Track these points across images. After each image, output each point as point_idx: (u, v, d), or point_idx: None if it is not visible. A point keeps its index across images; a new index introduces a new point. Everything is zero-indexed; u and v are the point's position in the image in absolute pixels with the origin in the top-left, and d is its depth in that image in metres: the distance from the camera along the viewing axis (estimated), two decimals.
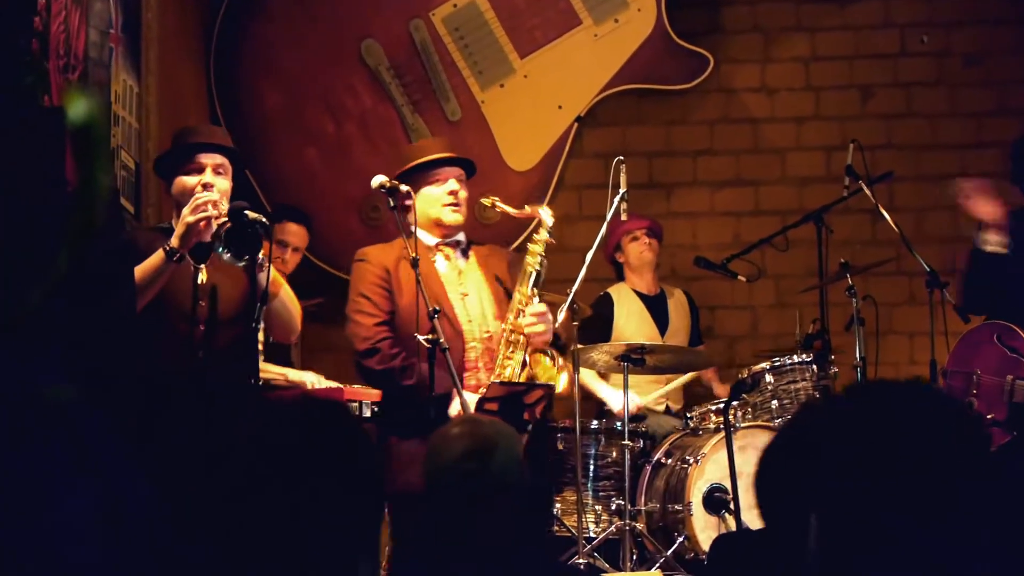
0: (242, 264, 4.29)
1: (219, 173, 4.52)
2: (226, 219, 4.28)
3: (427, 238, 5.02)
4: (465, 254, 5.07)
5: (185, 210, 4.33)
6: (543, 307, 4.88)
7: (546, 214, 4.94)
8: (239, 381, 4.46)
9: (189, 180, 4.48)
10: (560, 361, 4.85)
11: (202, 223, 4.30)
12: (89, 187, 0.99)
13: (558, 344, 4.96)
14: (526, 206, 4.98)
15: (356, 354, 4.87)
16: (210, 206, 4.31)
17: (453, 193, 4.97)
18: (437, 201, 4.98)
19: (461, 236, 5.08)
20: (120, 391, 3.96)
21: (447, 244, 5.04)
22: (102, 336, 4.03)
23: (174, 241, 4.30)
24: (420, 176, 5.01)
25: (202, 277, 4.40)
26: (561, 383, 4.86)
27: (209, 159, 4.52)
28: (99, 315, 4.05)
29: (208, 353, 4.35)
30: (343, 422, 2.02)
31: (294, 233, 6.52)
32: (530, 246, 4.95)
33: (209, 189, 4.43)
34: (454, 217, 4.98)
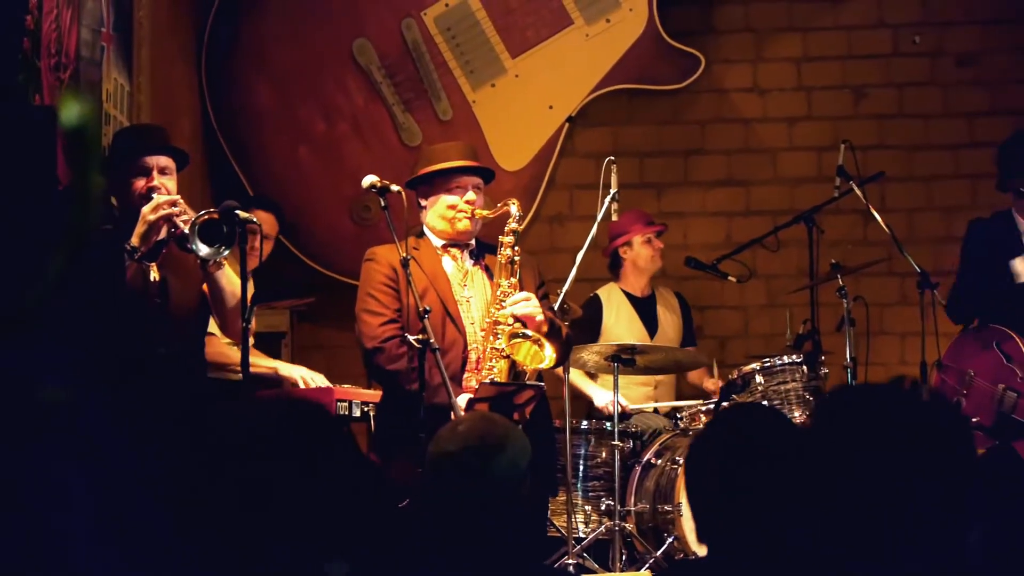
0: (214, 258, 4.39)
1: (165, 174, 4.60)
2: (204, 214, 4.38)
3: (435, 239, 5.01)
4: (475, 257, 5.05)
5: (145, 209, 4.42)
6: (527, 294, 4.86)
7: (513, 207, 4.93)
8: (196, 375, 4.68)
9: (136, 182, 4.55)
10: (546, 345, 4.80)
11: (162, 222, 4.41)
12: (83, 186, 0.99)
13: (553, 328, 4.92)
14: (498, 204, 4.97)
15: (364, 353, 4.86)
16: (169, 205, 4.41)
17: (470, 203, 4.95)
18: (452, 208, 4.95)
19: (472, 240, 5.07)
20: (115, 389, 3.99)
21: (454, 246, 5.02)
22: (98, 334, 4.05)
23: (135, 240, 4.40)
24: (439, 181, 4.99)
25: (153, 275, 4.50)
26: (547, 358, 4.80)
27: (155, 161, 4.60)
28: (95, 314, 4.08)
29: (165, 348, 4.47)
30: (321, 424, 2.01)
31: (264, 220, 6.50)
32: (502, 238, 4.94)
33: (157, 191, 4.51)
34: (465, 224, 4.96)
